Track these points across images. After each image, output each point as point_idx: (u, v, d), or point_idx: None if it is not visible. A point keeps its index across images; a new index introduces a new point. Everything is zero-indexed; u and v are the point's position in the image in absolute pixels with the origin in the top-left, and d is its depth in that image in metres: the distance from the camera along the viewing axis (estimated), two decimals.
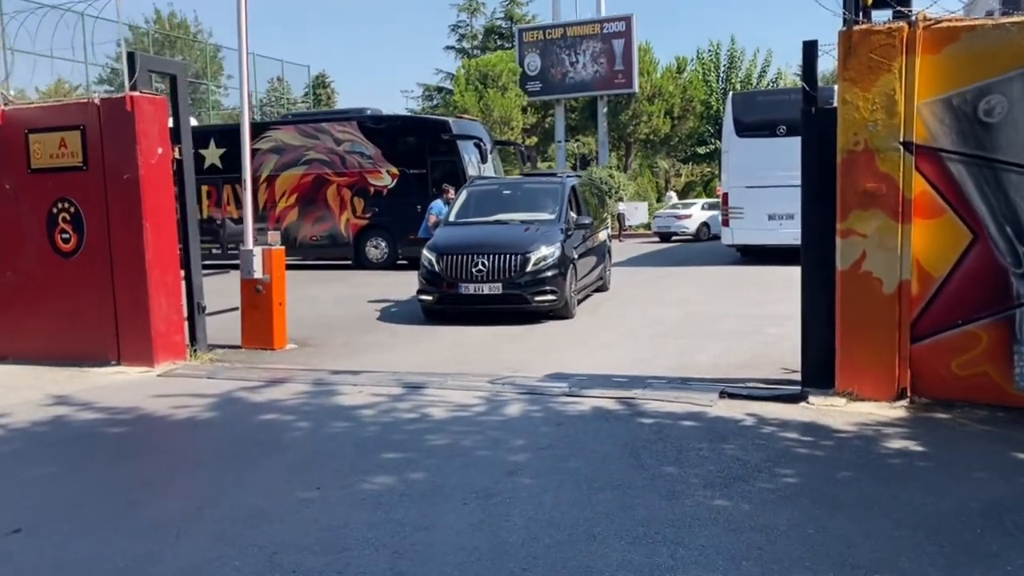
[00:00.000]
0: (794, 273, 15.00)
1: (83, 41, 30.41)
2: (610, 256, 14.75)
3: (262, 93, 45.13)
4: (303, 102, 45.47)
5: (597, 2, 38.70)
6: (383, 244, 20.28)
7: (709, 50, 40.12)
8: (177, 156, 8.18)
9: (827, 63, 6.07)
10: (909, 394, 5.72)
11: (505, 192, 12.60)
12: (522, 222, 11.48)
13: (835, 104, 5.89)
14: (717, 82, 39.28)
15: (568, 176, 12.96)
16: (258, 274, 8.91)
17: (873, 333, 5.71)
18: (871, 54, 5.56)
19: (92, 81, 44.87)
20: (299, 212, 21.22)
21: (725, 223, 18.73)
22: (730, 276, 16.03)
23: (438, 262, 10.67)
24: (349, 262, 20.63)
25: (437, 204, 13.02)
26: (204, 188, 21.81)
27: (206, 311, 8.50)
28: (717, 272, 16.98)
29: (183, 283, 8.29)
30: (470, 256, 10.51)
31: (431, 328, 10.27)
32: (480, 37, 53.36)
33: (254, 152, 21.61)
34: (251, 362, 8.22)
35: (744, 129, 18.38)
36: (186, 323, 8.34)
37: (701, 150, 40.15)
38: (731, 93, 20.55)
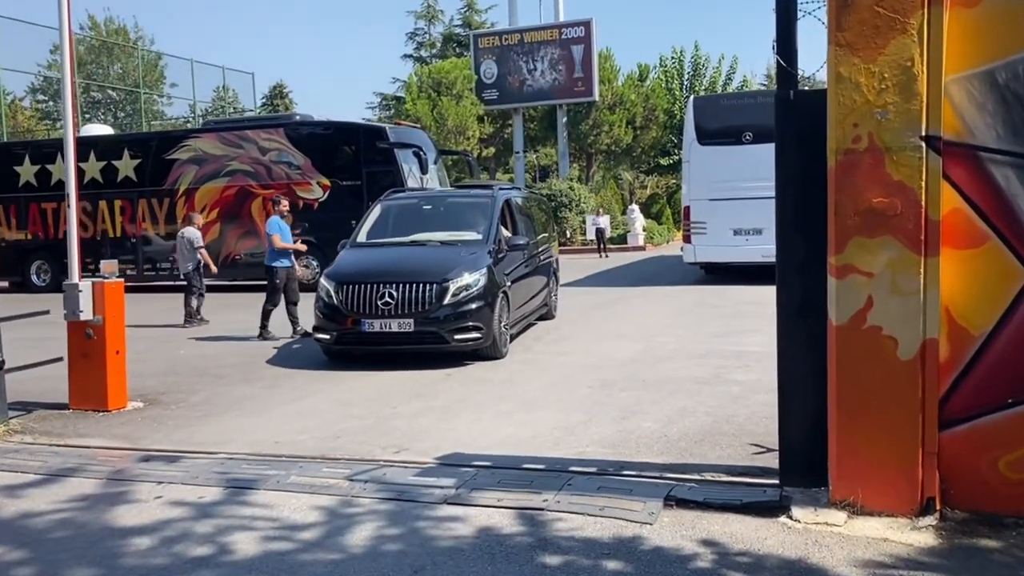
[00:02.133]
0: (763, 295, 13.26)
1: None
2: (557, 278, 12.94)
3: (207, 102, 42.94)
4: (252, 112, 43.30)
5: (555, 9, 37.10)
6: (314, 263, 18.25)
7: (672, 57, 38.72)
8: None
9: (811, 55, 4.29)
10: (938, 506, 3.92)
11: (425, 207, 10.72)
12: (442, 243, 9.62)
13: (824, 85, 4.12)
14: (681, 90, 37.85)
15: (503, 188, 11.13)
16: (87, 315, 6.93)
17: (884, 416, 3.92)
18: (877, 7, 3.78)
19: (25, 89, 42.47)
20: (221, 228, 19.20)
21: (686, 239, 17.05)
22: (693, 298, 14.30)
23: (336, 293, 8.76)
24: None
25: (274, 221, 11.15)
26: (117, 203, 19.83)
27: (4, 367, 6.49)
28: (678, 293, 15.25)
29: None
30: (375, 286, 8.61)
31: (325, 375, 8.35)
32: (438, 45, 51.66)
33: (172, 162, 19.67)
34: (60, 434, 6.25)
35: (707, 136, 16.72)
36: None
37: (664, 161, 38.65)
38: (692, 97, 18.89)
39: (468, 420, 6.25)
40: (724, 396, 6.84)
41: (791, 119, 4.28)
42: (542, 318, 11.79)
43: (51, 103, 40.54)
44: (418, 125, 24.30)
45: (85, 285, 6.94)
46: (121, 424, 6.54)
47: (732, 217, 16.41)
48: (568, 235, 31.13)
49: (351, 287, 8.67)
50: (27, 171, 20.25)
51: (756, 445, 5.37)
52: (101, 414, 6.89)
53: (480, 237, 9.58)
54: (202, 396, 7.52)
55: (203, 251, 12.90)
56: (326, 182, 18.22)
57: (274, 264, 10.99)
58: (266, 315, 10.98)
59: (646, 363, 8.45)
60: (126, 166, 19.77)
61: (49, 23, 47.92)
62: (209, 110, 42.62)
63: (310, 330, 10.45)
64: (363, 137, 18.45)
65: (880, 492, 3.93)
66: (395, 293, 8.51)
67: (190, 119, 39.83)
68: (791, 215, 4.32)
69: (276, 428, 6.21)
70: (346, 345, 8.83)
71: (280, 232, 11.02)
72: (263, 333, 10.91)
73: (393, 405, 6.87)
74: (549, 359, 8.93)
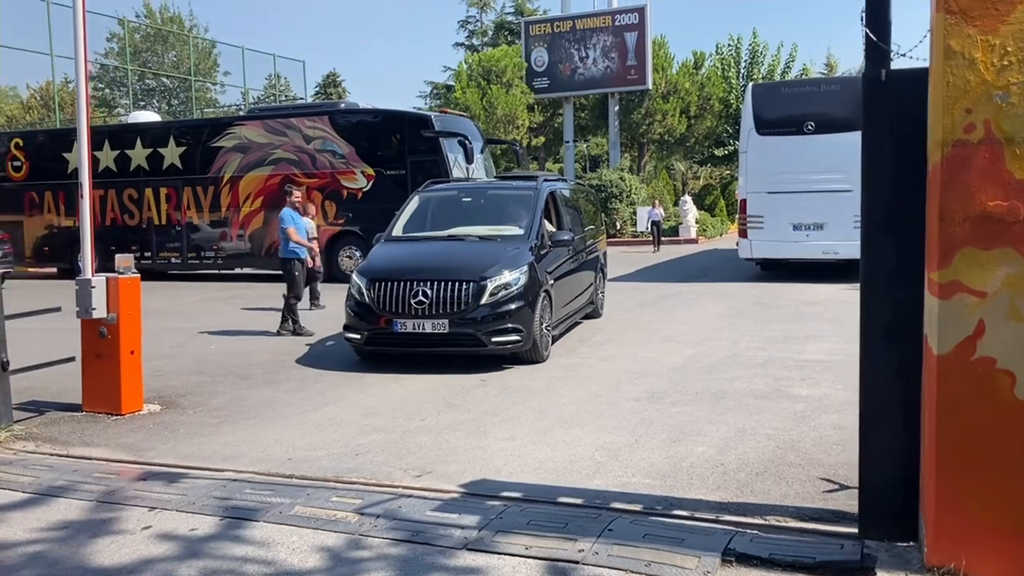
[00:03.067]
0: (824, 294, 12.44)
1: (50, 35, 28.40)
2: (604, 275, 12.28)
3: (259, 90, 43.07)
4: (303, 100, 43.29)
5: None
6: (357, 253, 17.94)
7: (729, 44, 37.54)
8: None
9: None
10: None
11: (465, 200, 10.13)
12: (481, 238, 9.04)
13: (927, 63, 3.42)
14: (737, 79, 36.67)
15: (547, 179, 10.48)
16: (100, 312, 6.52)
17: (996, 466, 3.22)
18: None
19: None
20: (265, 217, 18.97)
21: (742, 233, 16.22)
22: (749, 297, 13.50)
23: (368, 290, 8.25)
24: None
25: (287, 213, 10.70)
26: (163, 190, 19.73)
27: (8, 367, 6.09)
28: (734, 291, 14.45)
29: None
30: (408, 283, 8.08)
31: (353, 378, 7.85)
32: (490, 33, 51.16)
33: (216, 150, 19.45)
34: (65, 441, 5.83)
35: (766, 125, 15.85)
36: None
37: (719, 152, 37.56)
38: (751, 84, 17.96)
39: (500, 438, 5.66)
40: (787, 415, 6.14)
41: (883, 104, 3.58)
42: (588, 317, 11.18)
43: (107, 90, 41.12)
44: (465, 114, 23.77)
45: (98, 280, 6.53)
46: (131, 431, 6.11)
47: (792, 211, 15.56)
48: (618, 227, 30.34)
49: (383, 284, 8.15)
50: (75, 158, 20.20)
51: (828, 480, 4.68)
52: (113, 418, 6.48)
53: (522, 232, 8.98)
54: (222, 400, 7.08)
55: (314, 242, 11.52)
56: (370, 171, 17.83)
57: (289, 256, 10.58)
58: (291, 309, 10.58)
59: (698, 372, 7.77)
60: (171, 153, 19.63)
61: (104, 10, 48.57)
62: (261, 98, 42.76)
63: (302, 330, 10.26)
64: (408, 125, 17.97)
65: (989, 559, 3.23)
66: (429, 291, 7.97)
67: (242, 107, 39.97)
68: (880, 219, 3.63)
69: (292, 441, 5.71)
70: (377, 346, 8.33)
71: (295, 224, 10.63)
72: (296, 328, 10.51)
73: (421, 416, 6.32)
74: (593, 364, 8.29)
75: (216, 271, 19.97)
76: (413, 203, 9.95)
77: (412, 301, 7.98)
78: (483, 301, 7.97)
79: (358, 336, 8.31)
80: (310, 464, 5.14)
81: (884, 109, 3.59)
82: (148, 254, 19.99)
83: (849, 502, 4.16)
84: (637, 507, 4.26)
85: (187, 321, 12.25)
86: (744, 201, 16.12)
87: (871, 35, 3.62)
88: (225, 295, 16.06)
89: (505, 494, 4.47)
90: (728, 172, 41.71)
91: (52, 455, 5.50)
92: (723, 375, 7.58)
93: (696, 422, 5.97)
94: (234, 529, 4.01)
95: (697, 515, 4.14)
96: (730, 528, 3.91)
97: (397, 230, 9.53)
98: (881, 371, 3.68)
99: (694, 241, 28.66)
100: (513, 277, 8.18)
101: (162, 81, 42.93)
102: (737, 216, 17.82)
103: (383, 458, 5.25)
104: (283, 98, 43.18)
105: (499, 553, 3.67)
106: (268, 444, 5.65)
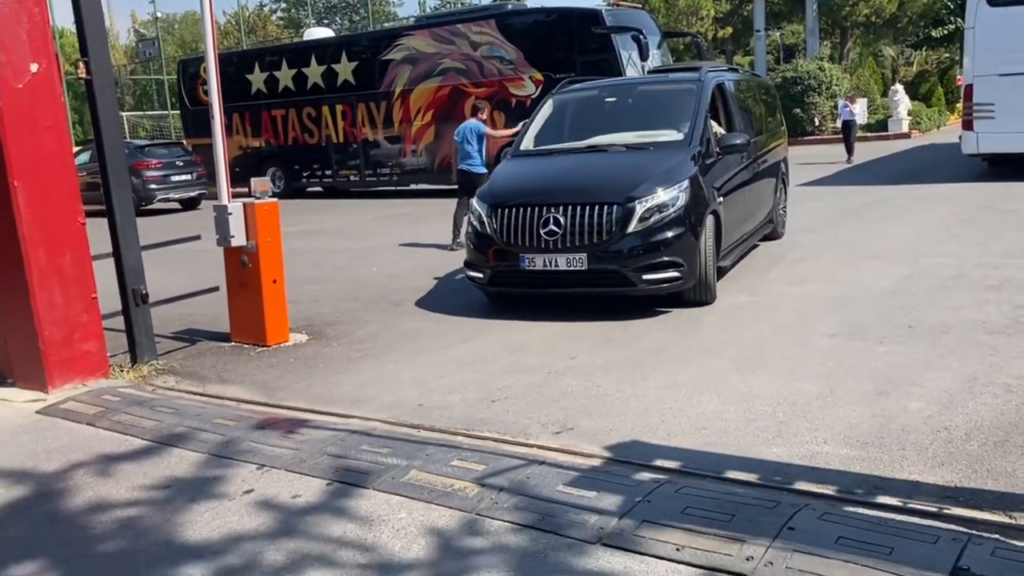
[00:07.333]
0: None
1: None
2: (786, 185, 10.55)
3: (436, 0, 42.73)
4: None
5: None
6: None
7: None
8: (84, 75, 5.52)
9: None
10: None
11: (609, 100, 8.45)
12: (628, 148, 7.45)
13: None
14: None
15: (711, 70, 8.58)
16: (239, 240, 6.23)
17: None
18: None
19: None
20: (435, 131, 18.68)
21: (967, 125, 13.90)
22: (975, 200, 11.55)
23: (489, 219, 6.83)
24: None
25: (470, 125, 9.99)
26: (338, 108, 19.88)
27: (149, 299, 5.92)
28: (955, 193, 12.45)
29: (115, 264, 5.78)
30: (537, 209, 6.57)
31: (506, 307, 7.17)
32: None
33: (387, 63, 19.18)
34: (203, 377, 5.63)
35: None
36: (122, 320, 5.86)
37: (937, 32, 33.05)
38: None
39: (660, 383, 4.80)
40: None
41: None
42: (766, 238, 9.43)
43: (292, 11, 42.33)
44: (639, 6, 22.02)
45: (235, 207, 6.21)
46: (270, 366, 5.82)
47: None
48: (817, 123, 27.63)
49: (506, 211, 6.70)
50: (257, 79, 20.75)
51: None
52: (258, 351, 6.26)
53: (681, 137, 7.32)
54: (369, 330, 6.68)
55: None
56: (539, 76, 16.93)
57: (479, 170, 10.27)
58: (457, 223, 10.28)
59: (913, 297, 6.45)
60: (345, 70, 19.64)
61: None
62: (437, 7, 42.39)
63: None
64: (577, 23, 16.77)
65: None
66: (562, 219, 6.43)
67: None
68: None
69: (429, 381, 5.16)
70: (503, 286, 7.05)
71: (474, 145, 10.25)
72: (457, 244, 10.14)
73: (572, 353, 5.56)
74: (778, 289, 7.14)
75: (394, 187, 20.04)
76: (546, 108, 8.50)
77: (542, 231, 6.48)
78: (631, 229, 6.37)
79: (480, 275, 7.04)
80: (441, 412, 4.56)
81: None
82: (328, 172, 20.38)
83: None
84: (829, 490, 3.31)
85: (358, 240, 12.17)
86: (970, 87, 13.73)
87: None
88: (398, 212, 16.01)
89: (659, 463, 3.66)
90: (947, 55, 36.87)
91: (187, 393, 5.29)
92: (945, 302, 6.22)
93: (910, 366, 4.80)
94: (339, 499, 3.49)
95: (911, 504, 3.14)
96: (960, 530, 2.89)
97: (526, 142, 8.14)
98: None
99: (906, 136, 25.55)
100: (670, 196, 6.56)
101: None
102: (960, 105, 15.34)
103: (521, 406, 4.57)
104: (460, 4, 42.62)
105: (641, 553, 2.88)
106: (403, 384, 5.14)
